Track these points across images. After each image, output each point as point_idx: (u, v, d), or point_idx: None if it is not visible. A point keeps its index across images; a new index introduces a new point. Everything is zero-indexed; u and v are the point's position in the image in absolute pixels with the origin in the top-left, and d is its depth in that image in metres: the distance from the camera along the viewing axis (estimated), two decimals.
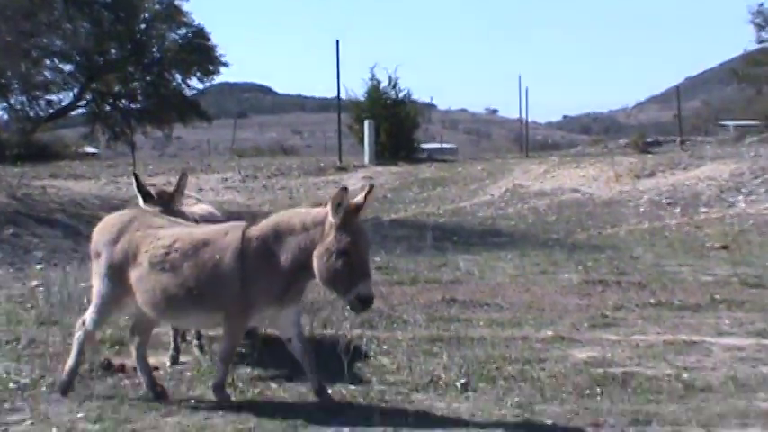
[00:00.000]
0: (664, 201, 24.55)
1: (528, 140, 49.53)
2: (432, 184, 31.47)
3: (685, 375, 8.11)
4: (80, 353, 7.78)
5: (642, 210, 23.66)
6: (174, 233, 7.46)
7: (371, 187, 7.07)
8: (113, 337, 9.54)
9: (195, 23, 45.11)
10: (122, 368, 8.61)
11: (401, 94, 40.81)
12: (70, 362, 7.76)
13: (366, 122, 37.54)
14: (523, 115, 49.21)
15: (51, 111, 43.83)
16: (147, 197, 8.70)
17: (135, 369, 8.33)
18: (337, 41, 39.43)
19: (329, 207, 6.70)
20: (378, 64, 43.67)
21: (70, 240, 19.47)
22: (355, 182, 33.31)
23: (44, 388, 8.04)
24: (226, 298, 7.12)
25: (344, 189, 6.76)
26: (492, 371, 8.32)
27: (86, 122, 46.99)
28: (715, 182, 25.80)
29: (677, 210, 23.29)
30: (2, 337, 9.98)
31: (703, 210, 22.99)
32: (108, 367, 8.64)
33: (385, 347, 9.35)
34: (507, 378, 8.07)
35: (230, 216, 11.59)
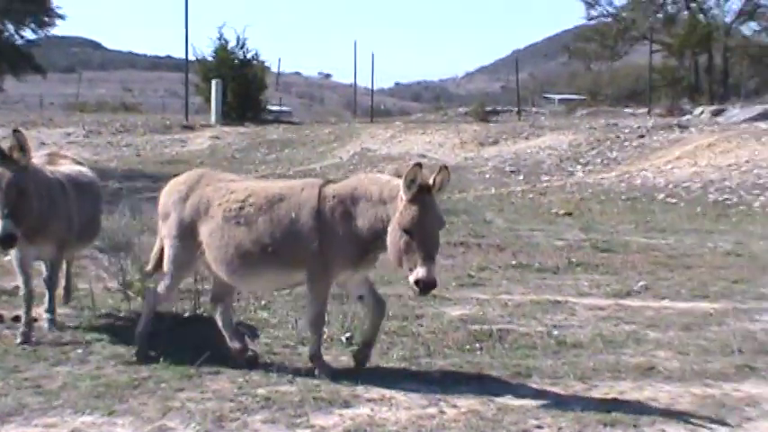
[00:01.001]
0: (507, 168, 25.25)
1: (357, 106, 49.83)
2: (280, 146, 31.47)
3: (556, 332, 8.48)
4: (149, 317, 7.59)
5: (488, 176, 24.25)
6: (247, 186, 7.26)
7: (444, 168, 6.52)
8: None
9: None
10: (1, 318, 8.50)
11: (249, 55, 40.48)
12: (140, 327, 7.56)
13: (213, 82, 37.16)
14: (358, 81, 49.29)
15: None
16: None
17: (13, 319, 8.34)
18: (186, 1, 38.83)
19: (402, 182, 6.33)
20: (226, 23, 43.14)
21: None
22: (203, 140, 33.14)
23: None
24: (303, 257, 6.87)
25: (418, 165, 6.34)
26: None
27: None
28: (555, 151, 26.70)
29: (521, 177, 23.98)
30: None
31: (545, 178, 23.74)
32: None
33: (263, 303, 9.44)
34: (389, 333, 8.26)
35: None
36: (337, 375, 6.88)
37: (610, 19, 51.99)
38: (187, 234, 7.29)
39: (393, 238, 6.42)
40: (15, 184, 7.24)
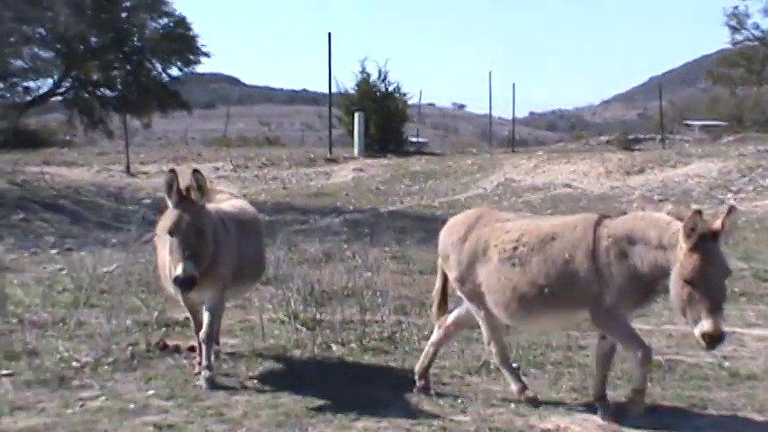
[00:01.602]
0: (655, 196, 24.79)
1: (492, 136, 49.72)
2: (423, 177, 31.54)
3: (727, 364, 8.34)
4: (509, 369, 7.46)
5: (635, 205, 23.84)
6: (521, 225, 7.16)
7: (732, 209, 6.25)
8: (161, 320, 9.62)
9: (177, 13, 44.45)
10: (177, 349, 8.78)
11: (390, 88, 40.76)
12: (509, 378, 7.40)
13: (356, 114, 37.48)
14: (492, 111, 49.05)
15: (29, 98, 42.95)
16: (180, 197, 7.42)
17: (189, 349, 8.61)
18: (329, 34, 39.53)
19: (681, 231, 6.07)
20: (368, 57, 43.70)
21: (78, 226, 19.50)
22: (347, 173, 33.46)
23: (106, 367, 8.20)
24: (582, 298, 6.71)
25: (698, 212, 6.06)
26: (538, 356, 8.55)
27: (65, 110, 46.06)
28: (704, 179, 26.11)
29: (670, 206, 23.50)
30: (47, 318, 10.07)
31: (694, 206, 23.20)
32: (164, 348, 8.84)
33: (425, 333, 9.49)
34: (555, 364, 8.29)
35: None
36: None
37: (756, 42, 50.79)
38: (468, 277, 7.26)
39: (675, 288, 6.15)
40: (195, 225, 7.24)
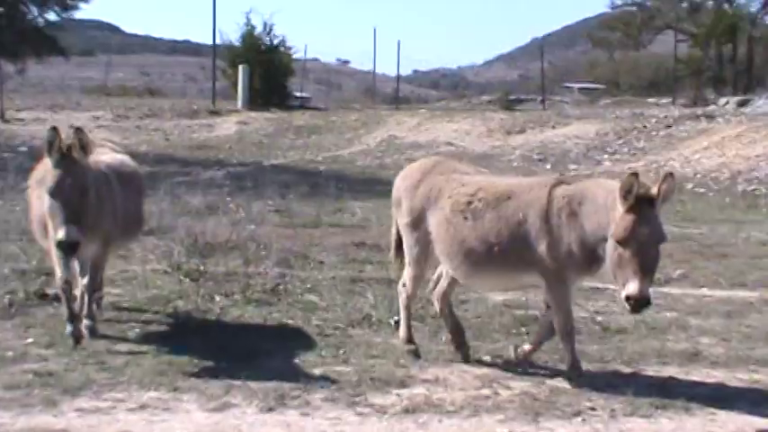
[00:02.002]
0: (535, 156, 25.29)
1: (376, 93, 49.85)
2: (307, 132, 31.63)
3: (599, 318, 8.60)
4: (408, 316, 7.50)
5: (515, 164, 24.29)
6: (478, 181, 7.02)
7: (669, 176, 6.16)
8: (40, 269, 9.46)
9: None
10: (57, 297, 8.62)
11: (276, 41, 40.59)
12: (402, 327, 7.50)
13: (240, 67, 37.28)
14: (376, 68, 49.04)
15: None
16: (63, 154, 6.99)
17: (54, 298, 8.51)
18: None
19: (617, 192, 6.02)
20: (253, 9, 43.22)
21: None
22: (230, 126, 33.27)
23: None
24: (531, 260, 6.62)
25: (634, 174, 6.01)
26: (419, 310, 8.63)
27: None
28: (582, 140, 26.71)
29: (548, 166, 24.00)
30: None
31: (573, 167, 23.75)
32: (43, 296, 8.76)
33: (308, 286, 9.60)
34: (435, 317, 8.38)
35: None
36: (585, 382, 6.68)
37: (634, 8, 51.75)
38: (417, 224, 7.19)
39: (609, 249, 6.14)
40: (77, 186, 6.86)
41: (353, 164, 25.31)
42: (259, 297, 9.04)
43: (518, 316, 8.57)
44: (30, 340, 7.46)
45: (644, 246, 5.96)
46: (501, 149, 26.62)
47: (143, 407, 6.02)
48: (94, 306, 7.79)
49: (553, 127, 28.70)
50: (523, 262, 6.67)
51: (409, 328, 7.49)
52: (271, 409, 6.05)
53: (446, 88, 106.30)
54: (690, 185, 20.42)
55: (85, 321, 7.48)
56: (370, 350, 7.44)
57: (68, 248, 6.83)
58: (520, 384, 6.68)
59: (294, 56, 43.01)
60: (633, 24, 51.21)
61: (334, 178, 19.67)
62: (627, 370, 7.14)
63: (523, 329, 8.17)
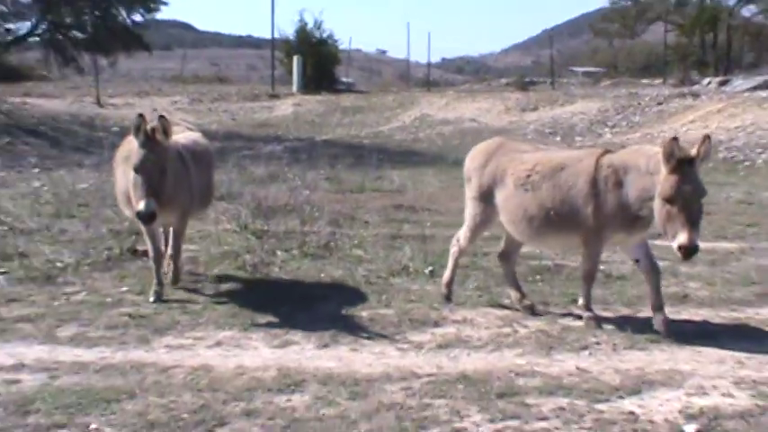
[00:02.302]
0: (546, 130, 25.06)
1: (410, 78, 49.52)
2: (352, 111, 31.52)
3: (602, 267, 8.47)
4: (455, 266, 7.46)
5: (530, 137, 24.04)
6: (535, 157, 6.92)
7: (707, 138, 5.98)
8: (131, 229, 9.52)
9: None
10: (145, 253, 8.69)
11: (324, 35, 40.57)
12: (447, 274, 7.46)
13: (295, 57, 37.37)
14: (410, 57, 48.87)
15: (9, 38, 41.56)
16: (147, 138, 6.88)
17: (143, 253, 8.61)
18: None
19: (661, 156, 5.92)
20: (306, 8, 43.21)
21: (56, 149, 19.17)
22: (286, 107, 33.25)
23: (86, 267, 8.24)
24: (579, 221, 6.54)
25: (675, 139, 5.89)
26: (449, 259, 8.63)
27: (42, 49, 44.60)
28: (586, 116, 26.43)
29: (558, 138, 23.79)
30: (33, 226, 10.00)
31: (579, 138, 23.51)
32: (134, 252, 8.83)
33: (355, 242, 9.60)
34: (463, 267, 8.36)
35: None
36: (600, 324, 6.63)
37: (630, 2, 50.91)
38: (485, 197, 7.10)
39: (657, 207, 6.00)
40: (158, 165, 6.77)
41: (392, 138, 25.22)
42: (314, 252, 9.07)
43: (533, 266, 8.54)
44: (125, 288, 7.57)
45: (688, 201, 5.81)
46: (517, 124, 26.40)
47: (218, 344, 6.10)
48: (181, 265, 7.90)
49: (561, 105, 28.43)
50: (575, 224, 6.57)
51: (453, 274, 7.44)
52: (326, 346, 6.09)
53: (469, 73, 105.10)
54: None
55: (154, 287, 7.29)
56: (408, 296, 7.45)
57: (146, 218, 6.73)
58: (535, 324, 6.67)
59: (340, 47, 43.00)
60: (628, 17, 50.31)
61: (375, 151, 19.57)
62: (627, 311, 7.11)
63: (538, 277, 8.16)
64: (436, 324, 6.64)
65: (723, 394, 5.31)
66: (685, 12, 47.93)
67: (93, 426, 4.75)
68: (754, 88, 26.34)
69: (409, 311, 6.93)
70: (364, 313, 6.90)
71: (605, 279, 8.10)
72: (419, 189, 14.06)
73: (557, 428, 4.81)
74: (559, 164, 6.71)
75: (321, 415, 4.92)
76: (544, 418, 4.91)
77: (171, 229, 7.88)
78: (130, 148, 7.14)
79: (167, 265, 7.83)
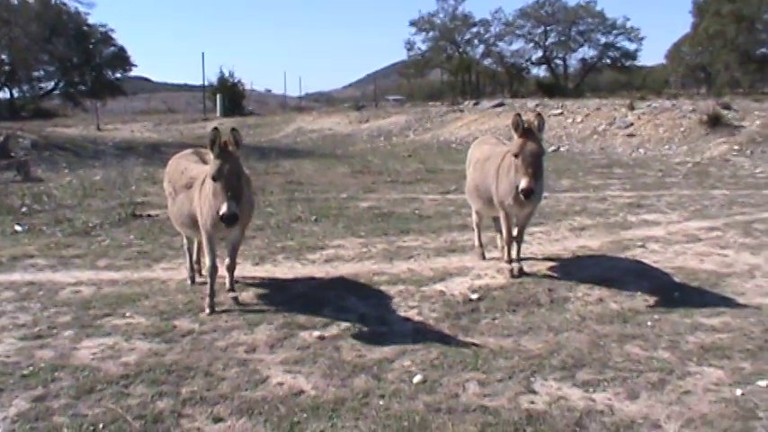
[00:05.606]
0: (375, 134, 25.11)
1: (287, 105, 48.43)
2: (255, 126, 30.56)
3: (417, 212, 8.63)
4: (478, 232, 6.38)
5: (365, 138, 24.13)
6: (490, 149, 6.04)
7: (539, 114, 5.22)
8: (132, 202, 9.25)
9: (119, 43, 44.56)
10: (141, 215, 8.39)
11: (236, 80, 39.34)
12: (475, 237, 6.37)
13: (218, 95, 36.18)
14: (286, 92, 47.83)
15: (41, 92, 42.47)
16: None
17: (149, 216, 8.29)
18: (203, 54, 39.47)
19: (510, 126, 5.23)
20: (223, 65, 41.54)
21: (76, 157, 17.89)
22: (215, 123, 31.81)
23: (107, 226, 7.89)
24: (492, 191, 5.65)
25: (518, 114, 5.21)
26: (325, 211, 8.64)
27: (61, 98, 44.20)
28: (398, 125, 26.42)
29: (382, 138, 23.90)
30: (71, 203, 9.56)
31: (395, 138, 23.70)
32: (135, 216, 8.45)
33: (267, 204, 9.36)
34: (335, 215, 8.40)
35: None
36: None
37: (420, 56, 51.60)
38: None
39: (507, 162, 5.39)
40: (234, 170, 4.54)
41: (281, 142, 24.56)
42: None
43: (376, 213, 8.56)
44: (132, 237, 7.27)
45: (529, 156, 5.06)
46: (357, 131, 26.34)
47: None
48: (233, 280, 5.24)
49: (383, 118, 28.46)
50: (489, 194, 5.72)
51: (479, 237, 6.37)
52: (257, 264, 6.05)
53: (324, 102, 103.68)
54: (453, 145, 20.74)
55: (230, 294, 5.10)
56: (303, 233, 7.39)
57: (230, 220, 4.47)
58: (381, 245, 6.75)
59: (246, 88, 41.76)
60: (419, 65, 51.12)
61: (271, 150, 19.18)
62: (433, 236, 7.27)
63: (379, 219, 8.17)
64: (322, 249, 6.65)
65: (491, 277, 5.62)
66: (452, 62, 49.26)
67: (127, 313, 4.83)
68: (494, 106, 27.22)
69: (305, 242, 6.91)
70: (278, 244, 6.85)
71: (419, 218, 8.24)
72: (301, 171, 13.90)
73: (399, 302, 4.98)
74: (500, 153, 5.73)
75: (259, 301, 5.03)
76: (391, 297, 5.08)
77: (230, 243, 5.11)
78: (184, 170, 5.34)
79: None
